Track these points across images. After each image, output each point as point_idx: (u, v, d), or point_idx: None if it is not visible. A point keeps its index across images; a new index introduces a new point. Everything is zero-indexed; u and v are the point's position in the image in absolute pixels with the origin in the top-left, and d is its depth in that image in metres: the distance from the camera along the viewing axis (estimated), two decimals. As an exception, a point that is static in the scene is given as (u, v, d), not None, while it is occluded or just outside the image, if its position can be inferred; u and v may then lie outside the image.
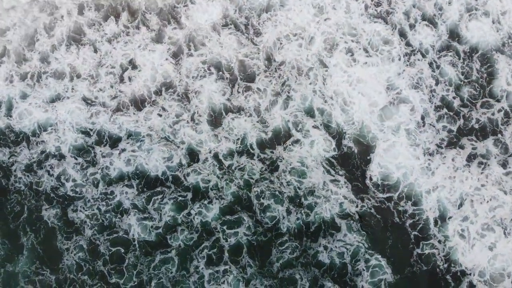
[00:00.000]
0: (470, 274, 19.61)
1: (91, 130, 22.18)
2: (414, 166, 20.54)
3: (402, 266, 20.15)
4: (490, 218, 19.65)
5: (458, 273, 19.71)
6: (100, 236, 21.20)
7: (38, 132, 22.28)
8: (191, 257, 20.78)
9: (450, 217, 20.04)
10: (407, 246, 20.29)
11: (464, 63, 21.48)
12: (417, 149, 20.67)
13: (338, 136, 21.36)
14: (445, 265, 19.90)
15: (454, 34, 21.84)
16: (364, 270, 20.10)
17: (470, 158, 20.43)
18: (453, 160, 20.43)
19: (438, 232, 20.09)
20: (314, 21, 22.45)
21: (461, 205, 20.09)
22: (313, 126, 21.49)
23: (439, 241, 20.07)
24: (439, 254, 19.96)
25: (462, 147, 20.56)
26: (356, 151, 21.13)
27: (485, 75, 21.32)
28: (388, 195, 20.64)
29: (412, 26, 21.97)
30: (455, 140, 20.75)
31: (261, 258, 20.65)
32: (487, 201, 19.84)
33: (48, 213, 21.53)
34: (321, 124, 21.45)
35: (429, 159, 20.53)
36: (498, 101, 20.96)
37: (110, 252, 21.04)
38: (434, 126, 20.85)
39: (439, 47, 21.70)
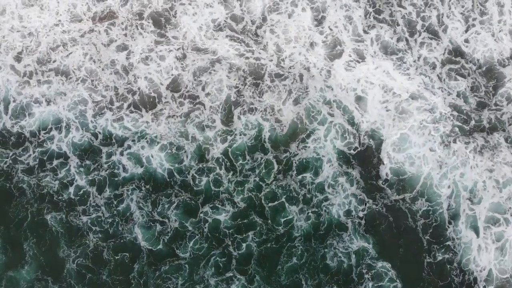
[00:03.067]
0: (480, 281, 19.88)
1: (100, 133, 21.57)
2: (428, 156, 20.70)
3: (413, 282, 20.31)
4: (500, 198, 20.08)
5: (472, 282, 19.88)
6: (105, 243, 20.63)
7: (38, 133, 21.57)
8: (199, 266, 20.43)
9: (462, 210, 20.35)
10: (419, 256, 20.31)
11: (470, 76, 22.09)
12: (430, 142, 20.82)
13: (352, 132, 21.34)
14: (460, 276, 19.96)
15: (457, 49, 22.57)
16: (369, 274, 20.10)
17: (482, 148, 20.69)
18: (466, 147, 20.64)
19: (452, 231, 20.25)
20: (315, 24, 22.67)
21: (472, 190, 20.39)
22: (328, 113, 21.41)
23: (453, 242, 20.23)
24: (452, 262, 20.07)
25: (474, 140, 20.82)
26: (370, 148, 21.15)
27: (490, 88, 21.88)
28: (403, 195, 20.71)
29: (416, 41, 22.65)
30: (467, 135, 21.03)
31: (269, 267, 20.41)
32: (499, 181, 20.31)
33: (52, 218, 20.87)
34: (335, 115, 21.44)
35: (442, 150, 20.70)
36: (505, 105, 21.67)
37: (115, 259, 20.49)
38: (446, 123, 21.08)
39: (443, 61, 22.43)
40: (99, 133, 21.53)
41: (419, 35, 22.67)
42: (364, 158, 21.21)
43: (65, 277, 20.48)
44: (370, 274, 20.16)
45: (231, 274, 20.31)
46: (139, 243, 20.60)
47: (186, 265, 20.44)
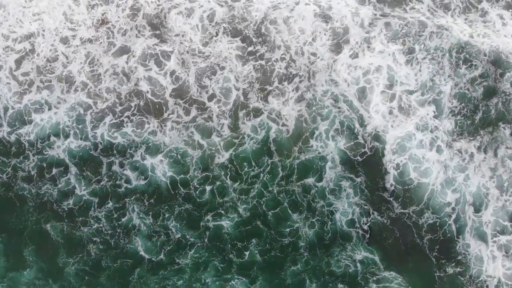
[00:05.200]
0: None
1: (102, 141, 20.85)
2: (432, 158, 20.40)
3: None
4: (506, 200, 19.96)
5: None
6: (105, 253, 20.28)
7: (37, 142, 20.82)
8: (199, 270, 20.26)
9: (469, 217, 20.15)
10: (428, 271, 20.08)
11: (480, 60, 21.56)
12: (435, 142, 20.55)
13: (355, 131, 20.88)
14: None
15: (466, 44, 22.45)
16: (374, 277, 20.03)
17: (487, 145, 20.50)
18: (469, 145, 20.46)
19: (462, 246, 19.94)
20: (320, 20, 22.29)
21: (477, 194, 20.11)
22: (331, 104, 20.97)
23: (464, 257, 19.93)
24: (464, 275, 19.82)
25: (481, 136, 20.60)
26: (374, 154, 20.63)
27: (498, 75, 21.25)
28: (409, 209, 20.28)
29: (422, 41, 22.43)
30: (472, 132, 20.77)
31: (273, 273, 20.22)
32: (503, 180, 20.21)
33: (52, 227, 20.47)
34: (339, 108, 21.03)
35: (446, 150, 20.44)
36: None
37: (114, 267, 20.19)
38: (450, 119, 20.82)
39: (451, 47, 21.88)
40: (101, 142, 20.83)
41: (428, 29, 22.31)
42: (368, 165, 20.71)
43: (65, 277, 20.24)
44: (375, 277, 20.05)
45: (230, 276, 20.25)
46: (140, 253, 20.33)
47: (187, 269, 20.25)
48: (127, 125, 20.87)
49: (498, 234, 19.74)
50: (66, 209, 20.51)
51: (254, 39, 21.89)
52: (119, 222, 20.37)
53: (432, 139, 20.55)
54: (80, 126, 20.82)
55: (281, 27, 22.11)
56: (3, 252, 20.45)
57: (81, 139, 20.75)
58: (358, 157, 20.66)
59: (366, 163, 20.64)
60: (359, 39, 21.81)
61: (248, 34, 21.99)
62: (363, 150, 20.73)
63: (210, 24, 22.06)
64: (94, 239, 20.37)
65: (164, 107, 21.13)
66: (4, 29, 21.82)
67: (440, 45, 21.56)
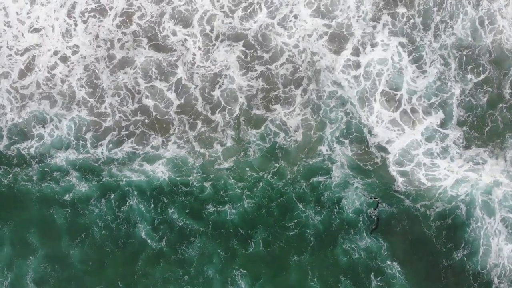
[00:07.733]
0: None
1: (104, 155, 20.81)
2: (441, 165, 20.36)
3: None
4: None
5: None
6: (107, 237, 20.66)
7: (40, 156, 20.77)
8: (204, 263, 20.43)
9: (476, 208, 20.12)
10: (435, 260, 20.25)
11: (484, 62, 21.05)
12: (442, 150, 20.42)
13: (367, 142, 20.68)
14: (480, 274, 19.94)
15: (468, 37, 21.49)
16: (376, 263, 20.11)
17: (499, 155, 20.45)
18: (478, 153, 20.37)
19: (472, 227, 20.04)
20: (322, 22, 21.60)
21: (488, 193, 20.19)
22: (336, 108, 20.73)
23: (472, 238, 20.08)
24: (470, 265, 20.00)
25: (492, 146, 20.46)
26: (380, 162, 20.52)
27: (501, 77, 20.81)
28: (419, 203, 20.43)
29: (428, 39, 22.28)
30: (479, 145, 20.62)
31: (275, 267, 20.34)
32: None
33: (56, 211, 20.76)
34: (344, 115, 20.78)
35: (455, 156, 20.39)
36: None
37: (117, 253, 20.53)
38: (458, 128, 20.57)
39: (454, 43, 21.21)
40: (103, 154, 20.80)
41: (434, 21, 21.86)
42: (378, 174, 20.70)
43: (70, 263, 20.66)
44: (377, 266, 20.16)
45: (232, 269, 20.39)
46: (142, 236, 20.65)
47: (194, 258, 20.50)
48: (128, 141, 20.83)
49: (505, 208, 19.87)
50: (69, 198, 20.79)
51: (256, 46, 21.31)
52: (120, 210, 20.77)
53: (442, 148, 20.48)
54: (81, 143, 20.76)
55: (281, 30, 21.79)
56: (8, 237, 20.77)
57: (82, 152, 20.81)
58: (369, 166, 20.67)
59: (375, 172, 20.68)
60: (362, 36, 21.17)
61: (249, 40, 21.42)
62: (373, 161, 20.70)
63: (211, 32, 21.45)
64: (96, 220, 20.71)
65: (170, 125, 20.90)
66: (8, 38, 21.26)
67: (445, 42, 21.05)
